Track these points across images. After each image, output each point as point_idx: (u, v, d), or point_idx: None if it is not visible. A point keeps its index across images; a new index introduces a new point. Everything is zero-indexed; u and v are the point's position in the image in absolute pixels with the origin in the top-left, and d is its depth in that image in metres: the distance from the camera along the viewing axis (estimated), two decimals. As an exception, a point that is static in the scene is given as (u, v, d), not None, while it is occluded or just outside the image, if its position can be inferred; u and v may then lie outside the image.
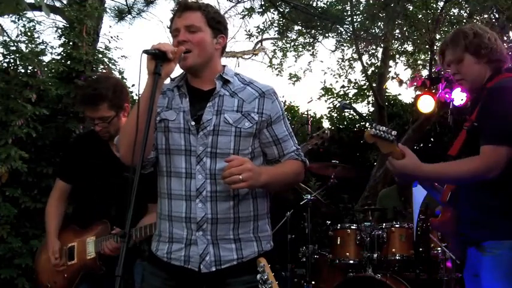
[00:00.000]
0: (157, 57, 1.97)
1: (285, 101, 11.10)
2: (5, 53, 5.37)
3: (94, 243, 2.94)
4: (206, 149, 2.03)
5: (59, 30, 6.06)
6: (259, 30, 11.10)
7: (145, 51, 1.97)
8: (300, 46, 11.34)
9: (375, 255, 4.38)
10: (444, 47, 2.46)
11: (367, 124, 10.78)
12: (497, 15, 7.66)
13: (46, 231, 3.09)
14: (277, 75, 12.12)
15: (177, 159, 2.06)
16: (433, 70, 8.08)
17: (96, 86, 2.92)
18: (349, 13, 9.40)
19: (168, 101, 2.15)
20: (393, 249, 4.39)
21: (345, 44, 10.63)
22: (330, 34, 9.98)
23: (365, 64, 9.74)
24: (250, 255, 2.06)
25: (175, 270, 2.05)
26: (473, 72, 2.38)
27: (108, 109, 2.90)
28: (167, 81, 2.16)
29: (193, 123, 2.06)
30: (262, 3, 9.76)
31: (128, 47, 14.51)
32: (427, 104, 6.78)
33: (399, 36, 9.24)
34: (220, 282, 2.03)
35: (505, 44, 8.29)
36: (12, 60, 5.37)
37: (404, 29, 8.92)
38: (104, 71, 5.99)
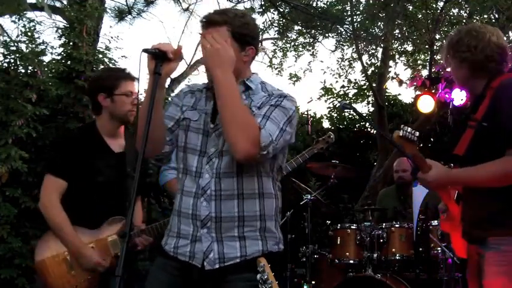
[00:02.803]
0: (157, 57, 1.98)
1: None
2: (5, 53, 5.37)
3: (118, 240, 2.89)
4: (217, 149, 2.07)
5: (59, 31, 6.06)
6: (259, 30, 11.11)
7: (145, 50, 1.98)
8: (300, 46, 11.36)
9: (375, 255, 4.38)
10: (444, 51, 2.53)
11: (367, 124, 10.87)
12: (497, 15, 7.67)
13: (68, 239, 2.85)
14: (277, 75, 12.15)
15: (191, 158, 2.10)
16: (433, 70, 8.09)
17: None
18: (349, 13, 9.42)
19: (195, 101, 2.19)
20: (393, 249, 4.40)
21: (344, 44, 10.65)
22: (330, 34, 9.99)
23: (365, 64, 9.76)
24: (254, 253, 2.04)
25: (181, 264, 2.07)
26: (456, 75, 2.45)
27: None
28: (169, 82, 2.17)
29: (212, 125, 2.10)
30: (262, 3, 9.77)
31: (128, 47, 14.54)
32: (427, 104, 6.79)
33: (399, 36, 9.25)
34: (222, 279, 2.03)
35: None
36: (12, 60, 5.36)
37: (404, 29, 8.93)
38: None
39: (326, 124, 10.76)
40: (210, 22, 2.09)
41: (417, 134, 2.25)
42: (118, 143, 3.06)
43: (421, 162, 2.28)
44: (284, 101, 2.07)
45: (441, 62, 8.79)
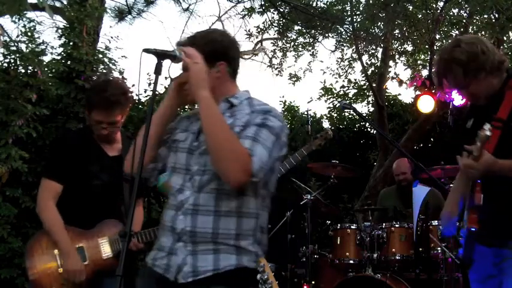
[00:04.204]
0: (158, 57, 1.98)
1: (285, 101, 11.13)
2: (6, 53, 5.37)
3: (109, 243, 2.94)
4: (200, 167, 2.05)
5: (59, 30, 6.06)
6: (259, 30, 11.11)
7: (145, 50, 1.98)
8: (300, 46, 11.34)
9: (375, 255, 4.39)
10: (442, 77, 2.39)
11: (367, 124, 10.84)
12: (497, 15, 7.67)
13: (59, 240, 2.91)
14: (277, 75, 12.13)
15: (177, 176, 2.11)
16: (433, 70, 8.07)
17: (112, 91, 2.92)
18: (349, 13, 9.41)
19: (189, 124, 2.18)
20: (393, 249, 4.40)
21: (344, 44, 10.64)
22: (330, 34, 9.98)
23: (365, 64, 9.75)
24: (226, 267, 1.99)
25: (157, 277, 2.05)
26: (481, 90, 2.35)
27: (119, 114, 2.95)
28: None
29: (196, 143, 2.09)
30: (262, 3, 9.77)
31: (128, 47, 14.52)
32: (427, 104, 6.80)
33: (399, 36, 9.24)
34: None
35: (504, 44, 8.30)
36: (12, 60, 5.37)
37: (404, 29, 8.92)
38: (104, 71, 6.00)
39: (326, 124, 10.76)
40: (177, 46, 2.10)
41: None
42: (113, 147, 3.08)
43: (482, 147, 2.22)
44: (270, 118, 2.03)
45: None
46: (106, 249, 2.94)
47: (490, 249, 2.31)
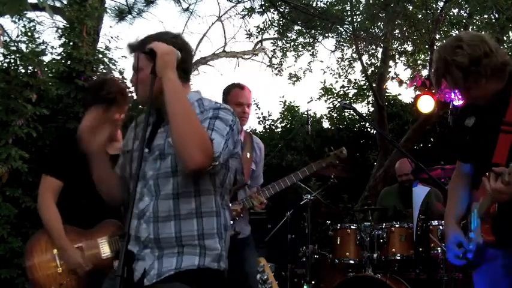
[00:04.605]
0: (154, 56, 2.00)
1: (285, 101, 11.13)
2: (6, 53, 5.38)
3: (108, 243, 2.94)
4: (154, 172, 2.08)
5: (59, 30, 6.07)
6: (259, 30, 11.12)
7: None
8: (300, 46, 11.34)
9: (375, 255, 4.39)
10: (441, 77, 2.28)
11: (367, 124, 10.83)
12: (497, 15, 7.67)
13: (56, 237, 2.92)
14: (277, 75, 12.14)
15: (138, 184, 2.09)
16: (433, 70, 8.07)
17: (108, 89, 2.93)
18: (349, 13, 9.41)
19: (138, 131, 2.15)
20: (393, 249, 4.40)
21: (344, 44, 10.64)
22: (330, 34, 9.98)
23: (365, 64, 9.75)
24: (188, 266, 2.03)
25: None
26: (482, 94, 2.25)
27: (118, 112, 2.97)
28: None
29: (147, 150, 2.10)
30: (262, 3, 9.77)
31: (128, 47, 14.50)
32: (427, 104, 6.79)
33: (399, 36, 9.24)
34: None
35: (505, 44, 8.30)
36: (12, 60, 5.37)
37: (404, 29, 8.93)
38: (105, 71, 6.00)
39: (326, 124, 10.77)
40: (130, 49, 2.18)
41: None
42: (114, 146, 3.07)
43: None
44: (220, 112, 2.08)
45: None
46: (105, 249, 2.95)
47: (500, 251, 2.27)
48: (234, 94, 3.60)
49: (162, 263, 2.03)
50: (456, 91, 2.37)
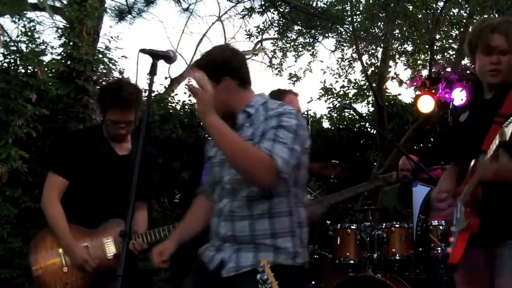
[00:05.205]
0: (153, 57, 2.01)
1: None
2: (6, 53, 5.38)
3: (114, 242, 2.93)
4: (231, 177, 2.24)
5: (59, 30, 6.07)
6: (259, 30, 11.13)
7: (141, 51, 2.04)
8: (300, 46, 11.36)
9: (375, 255, 4.38)
10: (494, 30, 2.29)
11: (367, 124, 10.80)
12: (497, 15, 7.67)
13: (61, 235, 2.90)
14: (277, 75, 12.15)
15: (216, 187, 2.33)
16: (433, 70, 8.08)
17: (128, 90, 2.92)
18: (349, 13, 9.42)
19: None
20: (393, 249, 4.39)
21: (345, 44, 10.65)
22: (330, 34, 9.99)
23: (365, 64, 9.76)
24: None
25: (202, 267, 2.28)
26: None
27: (133, 113, 2.96)
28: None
29: (223, 157, 2.23)
30: (262, 3, 9.77)
31: (128, 47, 14.52)
32: (427, 104, 6.79)
33: (399, 36, 9.25)
34: (232, 285, 2.19)
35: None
36: (12, 60, 5.37)
37: (404, 29, 8.94)
38: (104, 71, 6.00)
39: (326, 124, 10.77)
40: (191, 72, 2.31)
41: None
42: (123, 146, 3.08)
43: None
44: (283, 118, 2.16)
45: (441, 62, 8.79)
46: (111, 249, 2.94)
47: (480, 249, 2.29)
48: (289, 101, 3.56)
49: (239, 257, 2.19)
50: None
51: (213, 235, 2.30)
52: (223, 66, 2.23)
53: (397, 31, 9.11)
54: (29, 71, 5.37)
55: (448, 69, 7.47)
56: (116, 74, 6.21)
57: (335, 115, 10.94)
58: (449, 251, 2.36)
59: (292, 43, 11.37)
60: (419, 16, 8.46)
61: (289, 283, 2.12)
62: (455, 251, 2.31)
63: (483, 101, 2.38)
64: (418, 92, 7.66)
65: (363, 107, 11.58)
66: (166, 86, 11.51)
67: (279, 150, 2.08)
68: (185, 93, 7.70)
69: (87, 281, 2.91)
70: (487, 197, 2.23)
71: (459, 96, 5.94)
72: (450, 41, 9.66)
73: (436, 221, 4.34)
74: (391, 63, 9.91)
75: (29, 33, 5.47)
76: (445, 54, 9.26)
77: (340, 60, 11.21)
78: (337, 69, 11.40)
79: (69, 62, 5.64)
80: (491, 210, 2.22)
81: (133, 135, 3.13)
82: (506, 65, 2.28)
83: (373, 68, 10.20)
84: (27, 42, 5.46)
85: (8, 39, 5.61)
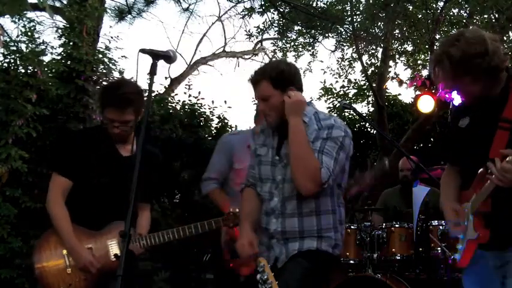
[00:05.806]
0: (153, 57, 2.02)
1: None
2: (6, 53, 5.37)
3: (118, 244, 2.91)
4: (284, 177, 2.58)
5: (59, 30, 6.06)
6: (259, 30, 11.12)
7: (141, 51, 2.05)
8: (300, 46, 11.35)
9: (375, 255, 4.38)
10: (434, 64, 2.28)
11: (367, 124, 10.79)
12: (497, 15, 7.67)
13: (65, 236, 2.89)
14: (277, 75, 12.11)
15: (264, 185, 2.66)
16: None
17: (126, 90, 2.90)
18: (349, 13, 9.42)
19: (264, 138, 2.74)
20: (393, 249, 4.40)
21: (345, 44, 10.64)
22: (330, 34, 9.99)
23: (365, 64, 9.76)
24: (309, 247, 2.53)
25: None
26: (464, 90, 2.27)
27: (132, 113, 2.91)
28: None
29: (277, 157, 2.62)
30: (262, 3, 9.77)
31: (128, 47, 14.50)
32: (427, 104, 6.79)
33: (399, 36, 9.25)
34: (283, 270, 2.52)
35: (505, 44, 8.30)
36: (12, 60, 5.36)
37: (404, 29, 8.94)
38: (104, 71, 6.00)
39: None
40: (254, 82, 2.63)
41: None
42: (127, 147, 3.05)
43: None
44: (333, 131, 2.55)
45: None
46: (115, 251, 2.92)
47: (489, 252, 2.27)
48: None
49: (288, 248, 2.55)
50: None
51: (261, 231, 2.60)
52: (290, 78, 2.61)
53: (397, 31, 9.11)
54: (29, 71, 5.36)
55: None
56: (116, 74, 6.20)
57: (335, 115, 10.93)
58: (457, 257, 2.34)
59: (292, 43, 11.37)
60: (419, 16, 8.46)
61: (325, 269, 2.56)
62: (464, 257, 2.29)
63: (475, 106, 2.34)
64: (418, 92, 7.65)
65: (363, 107, 11.58)
66: (166, 86, 11.50)
67: (325, 161, 2.46)
68: (185, 93, 7.67)
69: (91, 282, 2.90)
70: (496, 204, 2.19)
71: (459, 96, 5.92)
72: (455, 32, 9.63)
73: (436, 221, 4.35)
74: (391, 63, 9.91)
75: (29, 33, 5.46)
76: (445, 54, 9.22)
77: (340, 60, 11.21)
78: (337, 69, 11.40)
79: (69, 62, 5.63)
80: (500, 217, 2.19)
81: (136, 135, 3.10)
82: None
83: (373, 68, 10.20)
84: (27, 42, 5.45)
85: (8, 39, 5.61)
